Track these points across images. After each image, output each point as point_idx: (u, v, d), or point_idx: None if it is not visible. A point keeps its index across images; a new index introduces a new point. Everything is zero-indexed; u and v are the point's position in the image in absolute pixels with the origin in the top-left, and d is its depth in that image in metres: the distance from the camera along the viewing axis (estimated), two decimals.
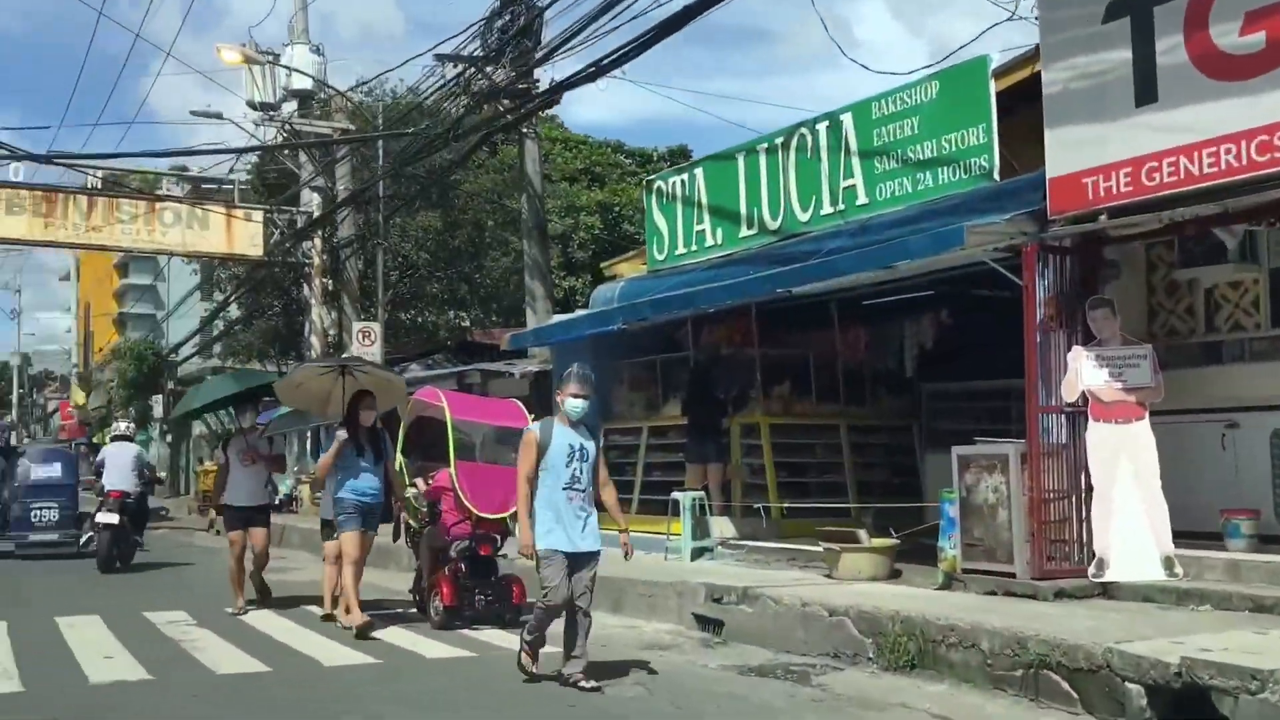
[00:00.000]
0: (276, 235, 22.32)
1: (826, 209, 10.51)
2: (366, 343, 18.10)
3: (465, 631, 8.71)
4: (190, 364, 35.85)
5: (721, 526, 11.16)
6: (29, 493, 16.13)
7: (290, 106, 21.51)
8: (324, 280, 22.36)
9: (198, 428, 33.33)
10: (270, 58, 20.45)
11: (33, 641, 8.43)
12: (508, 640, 7.82)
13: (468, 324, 31.17)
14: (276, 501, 26.13)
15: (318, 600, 9.81)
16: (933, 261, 8.53)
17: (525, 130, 14.63)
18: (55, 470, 16.66)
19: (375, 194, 20.12)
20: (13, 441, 21.95)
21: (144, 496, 15.51)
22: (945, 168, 9.23)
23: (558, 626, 6.69)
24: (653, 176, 13.47)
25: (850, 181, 10.21)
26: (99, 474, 15.05)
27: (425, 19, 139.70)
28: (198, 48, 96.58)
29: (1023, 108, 8.65)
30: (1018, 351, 8.00)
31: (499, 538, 9.24)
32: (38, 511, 15.97)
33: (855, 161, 10.13)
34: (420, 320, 30.84)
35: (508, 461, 8.60)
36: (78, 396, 62.94)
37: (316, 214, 21.48)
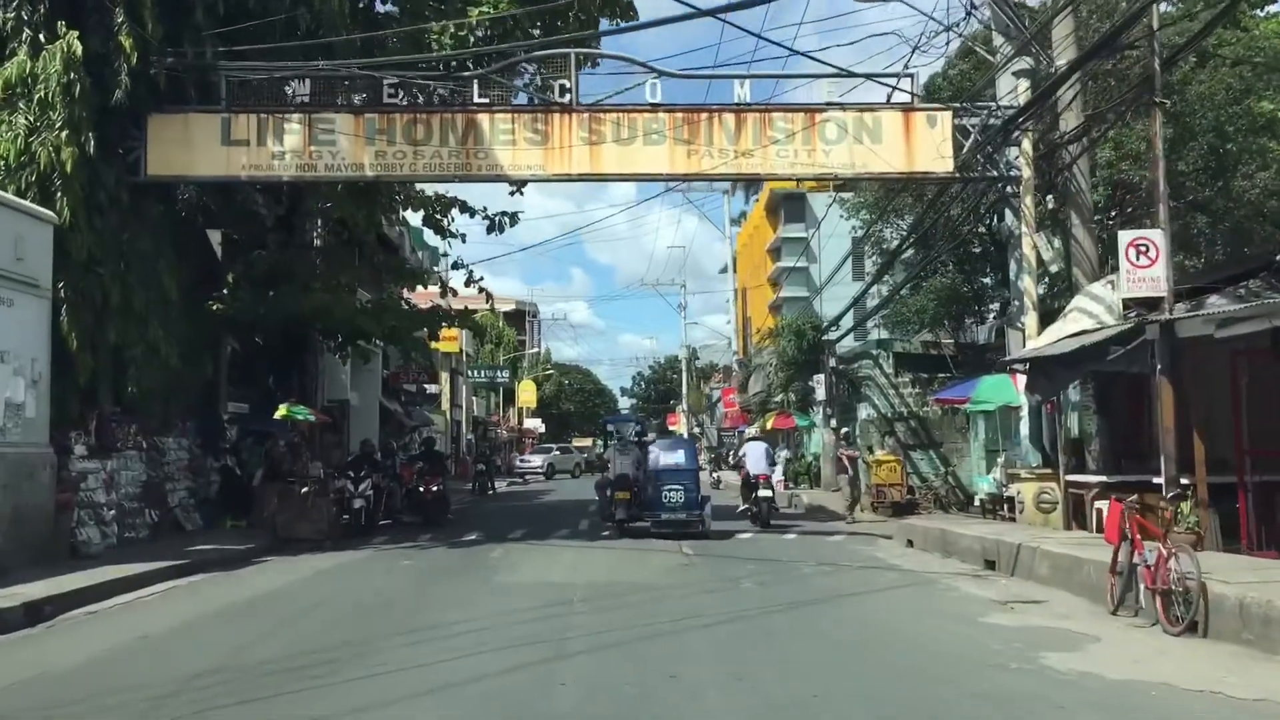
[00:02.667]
0: (970, 143, 16.46)
1: None
2: (1142, 263, 11.38)
3: None
4: (843, 343, 31.70)
5: None
6: (660, 477, 17.99)
7: None
8: (1038, 198, 16.05)
9: (863, 410, 28.75)
10: None
11: None
12: None
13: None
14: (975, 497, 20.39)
15: None
16: None
17: None
18: (680, 457, 18.55)
19: (1147, 30, 13.33)
20: (647, 435, 23.39)
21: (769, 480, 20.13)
22: None
23: None
24: None
25: None
26: (740, 464, 22.39)
27: None
28: None
29: None
30: None
31: None
32: (667, 493, 17.79)
33: None
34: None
35: None
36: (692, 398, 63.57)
37: (1023, 99, 15.22)
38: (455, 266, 23.05)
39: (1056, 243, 15.33)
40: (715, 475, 41.82)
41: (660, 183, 16.51)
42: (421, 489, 21.82)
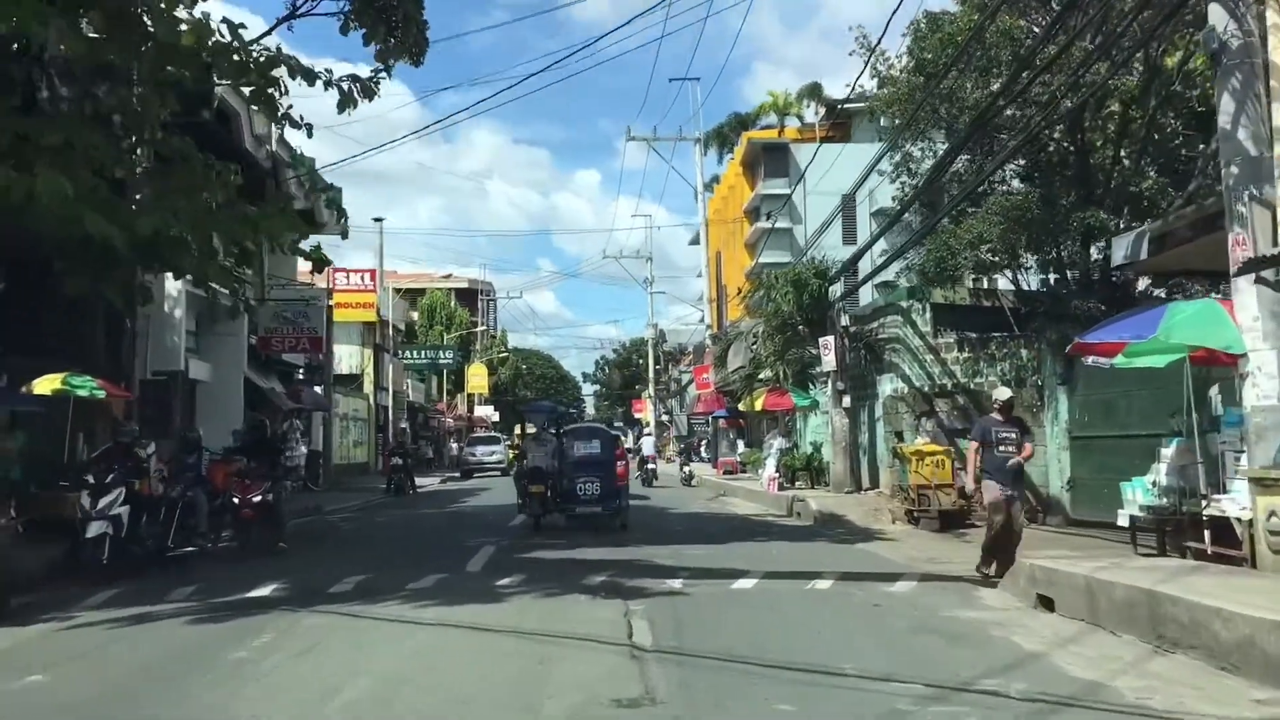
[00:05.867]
0: None
1: None
2: None
3: None
4: (849, 299, 24.17)
5: None
6: (574, 468, 17.10)
7: None
8: None
9: (888, 383, 21.24)
10: None
11: None
12: None
13: None
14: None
15: None
16: None
17: None
18: (595, 447, 17.50)
19: None
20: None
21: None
22: None
23: None
24: None
25: None
26: (638, 450, 34.18)
27: None
28: None
29: None
30: None
31: None
32: (582, 485, 16.92)
33: None
34: None
35: None
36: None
37: None
38: (291, 164, 15.03)
39: None
40: (687, 469, 34.17)
41: None
42: (237, 500, 14.08)
